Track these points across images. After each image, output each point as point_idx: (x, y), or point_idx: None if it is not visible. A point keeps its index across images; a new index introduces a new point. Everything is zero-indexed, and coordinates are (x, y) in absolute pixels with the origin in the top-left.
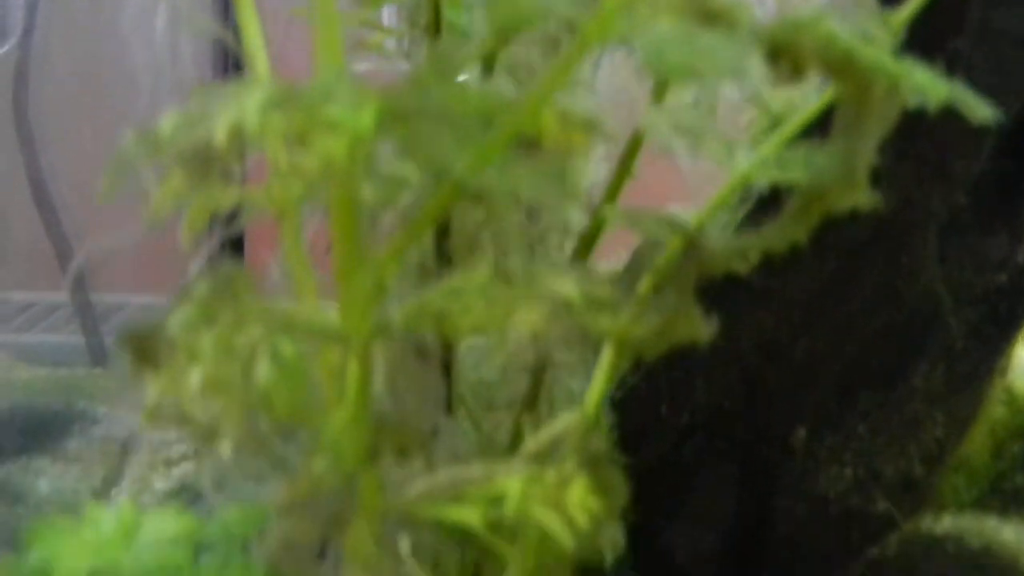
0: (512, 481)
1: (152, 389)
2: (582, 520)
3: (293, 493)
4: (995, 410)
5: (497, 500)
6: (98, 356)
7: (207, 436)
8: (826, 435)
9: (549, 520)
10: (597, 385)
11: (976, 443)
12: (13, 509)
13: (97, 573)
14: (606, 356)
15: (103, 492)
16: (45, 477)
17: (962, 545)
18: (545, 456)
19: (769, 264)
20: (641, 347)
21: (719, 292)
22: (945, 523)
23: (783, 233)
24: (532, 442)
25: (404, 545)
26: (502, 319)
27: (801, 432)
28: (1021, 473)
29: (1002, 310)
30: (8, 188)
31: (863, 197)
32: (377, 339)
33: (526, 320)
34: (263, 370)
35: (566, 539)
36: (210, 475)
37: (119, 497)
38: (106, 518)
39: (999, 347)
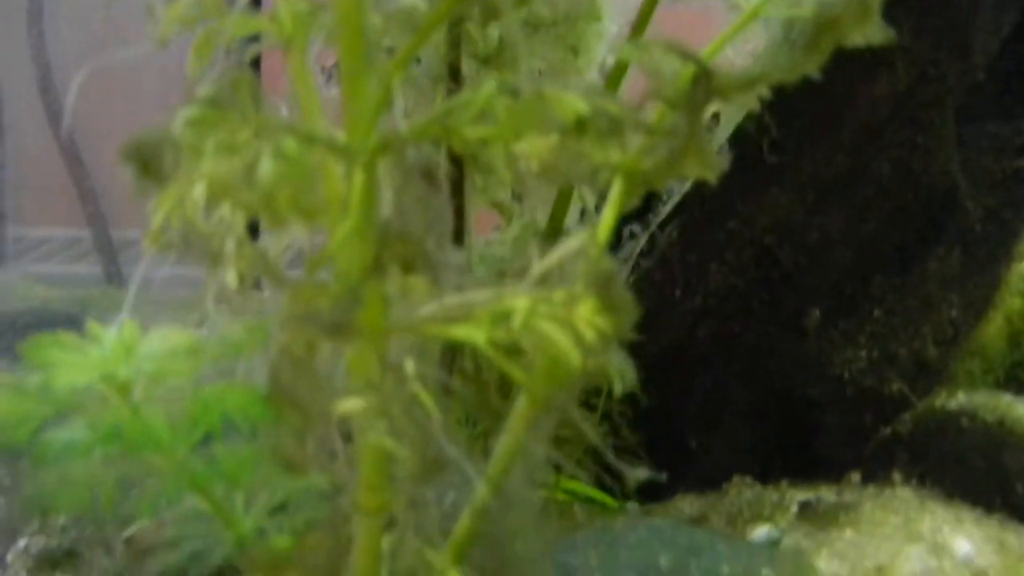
0: (519, 299)
1: (157, 205)
2: (590, 336)
3: (295, 303)
4: (1012, 301)
5: (504, 317)
6: (115, 283)
7: (211, 260)
8: (840, 318)
9: (556, 335)
10: (608, 214)
11: (992, 332)
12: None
13: (96, 383)
14: (616, 187)
15: None
16: None
17: (976, 419)
18: (554, 280)
19: (784, 144)
20: (650, 178)
21: (734, 173)
22: (959, 399)
23: (794, 65)
24: (540, 265)
25: (408, 366)
26: (511, 134)
27: (815, 314)
28: None
29: (1020, 195)
30: (28, 125)
31: (874, 28)
32: (384, 154)
33: (535, 147)
34: (266, 167)
35: (574, 355)
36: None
37: None
38: (107, 335)
39: (1016, 231)
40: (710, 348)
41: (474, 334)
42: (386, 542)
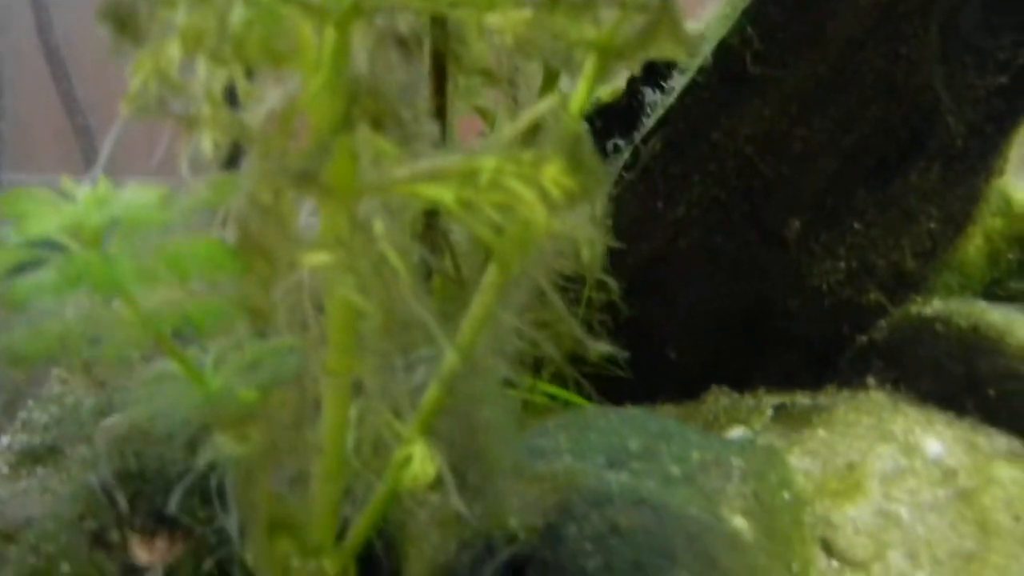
0: (488, 159)
1: (134, 68)
2: (556, 195)
3: (264, 154)
4: (992, 220)
5: (473, 177)
6: None
7: (187, 124)
8: (821, 230)
9: (523, 192)
10: (581, 88)
11: (972, 250)
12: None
13: (67, 229)
14: (589, 63)
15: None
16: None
17: (950, 325)
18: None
19: (767, 56)
20: (623, 54)
21: (717, 85)
22: (934, 306)
23: None
24: (509, 127)
25: (378, 226)
26: (485, 4)
27: (796, 224)
28: (1016, 279)
29: (1002, 110)
30: (27, 70)
31: None
32: (357, 16)
33: (509, 20)
34: (238, 13)
35: (539, 212)
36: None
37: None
38: (81, 189)
39: (997, 146)
40: (691, 259)
41: (442, 194)
42: (353, 409)
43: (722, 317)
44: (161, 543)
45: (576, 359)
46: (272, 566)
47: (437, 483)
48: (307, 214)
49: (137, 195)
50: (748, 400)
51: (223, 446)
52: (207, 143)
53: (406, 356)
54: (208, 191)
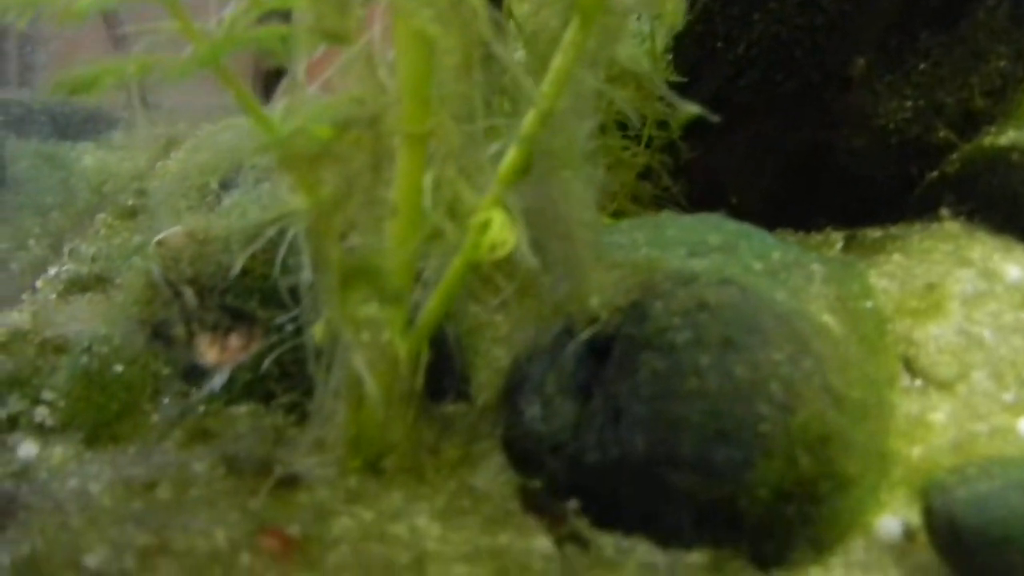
0: None
1: None
2: None
3: None
4: None
5: None
6: None
7: None
8: (885, 70)
9: None
10: None
11: None
12: (58, 173)
13: None
14: None
15: (147, 169)
16: (90, 155)
17: None
18: None
19: None
20: None
21: None
22: (1009, 135)
23: None
24: None
25: None
26: None
27: (860, 62)
28: None
29: None
30: None
31: None
32: None
33: None
34: None
35: None
36: None
37: (164, 167)
38: None
39: None
40: (752, 99)
41: None
42: (429, 175)
43: (783, 158)
44: (236, 341)
45: (635, 199)
46: (346, 319)
47: (511, 268)
48: None
49: None
50: (815, 237)
51: (295, 192)
52: None
53: (485, 115)
54: None
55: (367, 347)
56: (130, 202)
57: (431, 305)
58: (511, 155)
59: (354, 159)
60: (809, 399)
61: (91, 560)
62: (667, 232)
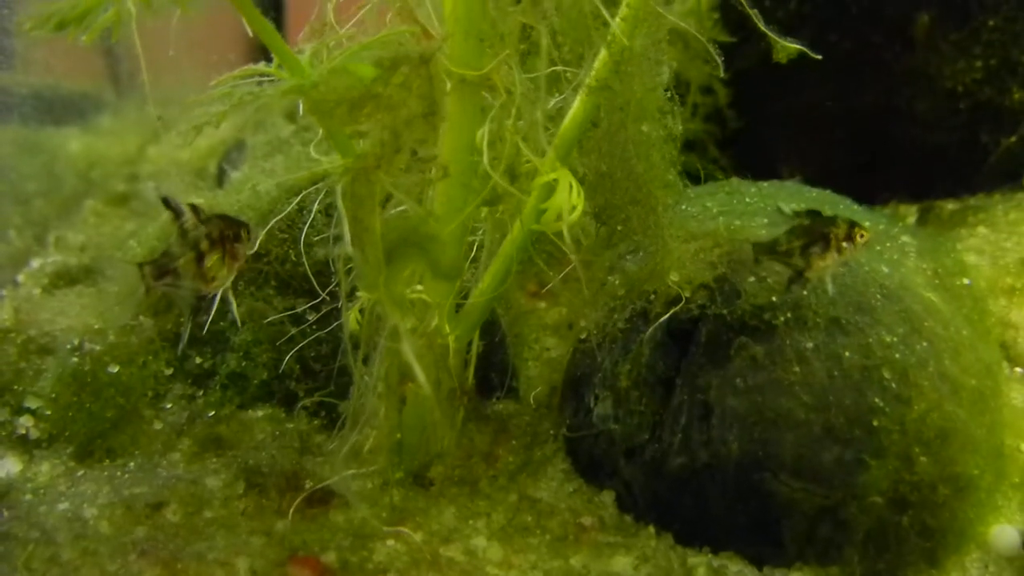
0: None
1: None
2: None
3: None
4: None
5: None
6: None
7: None
8: (951, 27)
9: None
10: None
11: None
12: (41, 159)
13: None
14: None
15: (137, 154)
16: (76, 140)
17: None
18: None
19: None
20: None
21: None
22: None
23: None
24: None
25: None
26: None
27: (923, 19)
28: None
29: None
30: None
31: None
32: None
33: None
34: None
35: None
36: None
37: (154, 150)
38: None
39: None
40: (803, 62)
41: None
42: (485, 128)
43: (839, 126)
44: (237, 249)
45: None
46: (394, 301)
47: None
48: None
49: None
50: (882, 211)
51: (333, 143)
52: None
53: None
54: None
55: (412, 336)
56: (120, 188)
57: (483, 284)
58: (576, 106)
59: (402, 105)
60: (926, 388)
61: None
62: (743, 200)
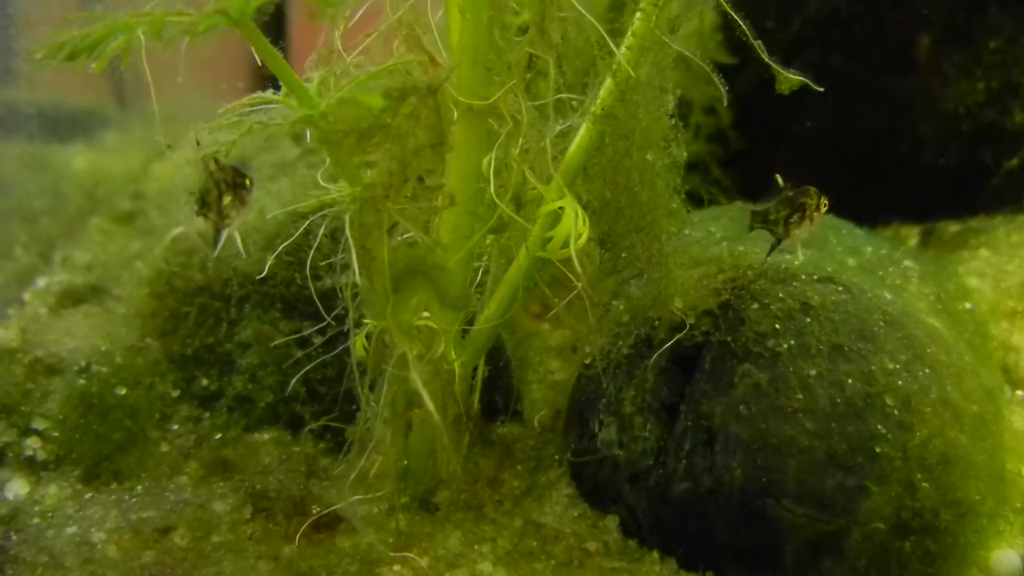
0: None
1: None
2: None
3: None
4: None
5: None
6: None
7: None
8: (953, 50)
9: None
10: None
11: None
12: (47, 176)
13: None
14: None
15: (142, 172)
16: (81, 157)
17: None
18: None
19: None
20: None
21: None
22: None
23: None
24: None
25: None
26: None
27: (925, 41)
28: None
29: None
30: None
31: None
32: None
33: None
34: None
35: None
36: None
37: (159, 168)
38: None
39: None
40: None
41: None
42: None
43: (841, 147)
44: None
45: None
46: (401, 329)
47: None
48: None
49: None
50: (883, 232)
51: (341, 172)
52: None
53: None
54: None
55: (418, 362)
56: (126, 206)
57: (489, 311)
58: (582, 134)
59: (411, 136)
60: (928, 415)
61: None
62: (745, 224)
